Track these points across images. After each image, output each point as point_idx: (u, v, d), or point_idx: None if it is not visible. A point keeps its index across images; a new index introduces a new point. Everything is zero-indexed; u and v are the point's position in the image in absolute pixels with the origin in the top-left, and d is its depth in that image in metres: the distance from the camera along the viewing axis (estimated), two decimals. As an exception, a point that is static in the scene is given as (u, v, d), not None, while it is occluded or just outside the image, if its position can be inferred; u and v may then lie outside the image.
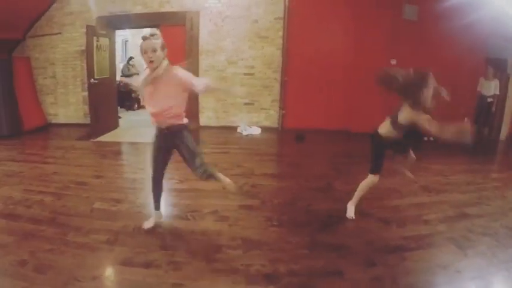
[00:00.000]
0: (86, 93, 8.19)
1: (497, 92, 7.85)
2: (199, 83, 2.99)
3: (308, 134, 7.47)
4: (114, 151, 6.85)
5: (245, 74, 8.15)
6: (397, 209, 4.10)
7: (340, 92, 8.03)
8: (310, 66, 8.00)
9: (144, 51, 2.94)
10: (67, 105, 8.83)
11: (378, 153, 3.62)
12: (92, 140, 7.38)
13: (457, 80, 6.89)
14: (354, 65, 7.78)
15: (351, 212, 3.81)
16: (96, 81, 7.46)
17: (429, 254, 3.12)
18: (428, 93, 3.14)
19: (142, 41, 2.96)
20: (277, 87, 8.22)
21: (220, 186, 3.86)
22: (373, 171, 3.64)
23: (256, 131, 7.98)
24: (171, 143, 3.26)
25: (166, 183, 4.10)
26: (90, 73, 7.46)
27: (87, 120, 8.32)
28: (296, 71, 8.04)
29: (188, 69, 3.05)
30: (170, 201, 4.26)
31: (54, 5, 8.43)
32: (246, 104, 8.29)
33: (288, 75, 8.07)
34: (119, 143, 7.34)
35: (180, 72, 2.99)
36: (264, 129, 8.17)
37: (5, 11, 7.39)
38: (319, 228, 3.59)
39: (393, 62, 7.66)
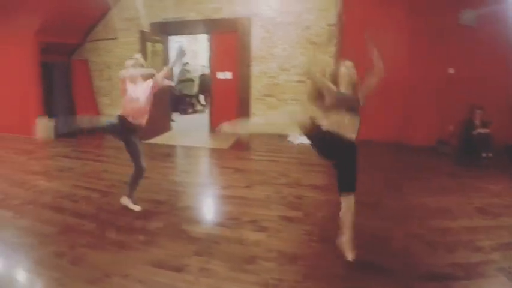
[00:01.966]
0: None
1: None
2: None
3: (360, 146, 7.12)
4: (163, 153, 6.94)
5: (297, 82, 7.96)
6: (447, 232, 3.67)
7: (395, 103, 7.53)
8: (364, 75, 7.57)
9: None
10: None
11: None
12: (143, 141, 7.47)
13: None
14: (409, 75, 7.33)
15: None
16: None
17: (476, 285, 2.80)
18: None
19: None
20: None
21: (263, 195, 3.76)
22: None
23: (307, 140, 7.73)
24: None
25: (209, 189, 4.06)
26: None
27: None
28: None
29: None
30: (211, 207, 4.20)
31: (113, 11, 8.76)
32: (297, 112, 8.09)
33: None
34: (169, 146, 7.42)
35: None
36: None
37: (66, 17, 7.84)
38: (361, 246, 3.20)
39: (451, 71, 7.21)
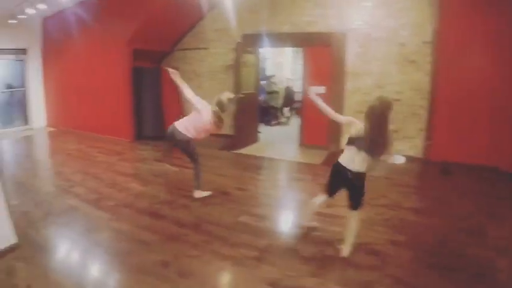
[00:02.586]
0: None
1: None
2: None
3: (454, 168, 6.70)
4: (254, 165, 6.93)
5: (392, 100, 7.49)
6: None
7: (496, 125, 6.90)
8: (461, 94, 7.09)
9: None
10: None
11: None
12: (233, 151, 7.61)
13: None
14: (508, 96, 6.72)
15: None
16: (243, 96, 7.63)
17: None
18: None
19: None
20: (424, 115, 7.49)
21: (365, 216, 3.58)
22: None
23: (400, 160, 7.34)
24: None
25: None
26: (237, 87, 7.70)
27: (227, 132, 8.44)
28: (445, 99, 7.19)
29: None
30: (317, 226, 4.01)
31: (202, 22, 9.02)
32: (391, 130, 7.67)
33: (436, 103, 7.31)
34: (259, 158, 7.37)
35: None
36: (407, 158, 7.50)
37: (159, 26, 8.26)
38: (472, 277, 3.10)
39: None
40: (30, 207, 4.51)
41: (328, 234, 3.87)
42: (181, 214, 4.30)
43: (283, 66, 12.20)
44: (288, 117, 11.67)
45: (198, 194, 4.83)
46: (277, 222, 4.22)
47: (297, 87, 12.41)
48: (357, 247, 3.55)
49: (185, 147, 4.70)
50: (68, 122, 10.02)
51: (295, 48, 12.77)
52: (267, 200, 4.98)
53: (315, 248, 3.55)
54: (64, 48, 9.55)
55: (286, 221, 4.32)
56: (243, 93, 7.76)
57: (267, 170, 6.82)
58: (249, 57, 8.03)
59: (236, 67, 7.81)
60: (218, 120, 4.59)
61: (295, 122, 11.30)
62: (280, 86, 11.73)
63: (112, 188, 5.24)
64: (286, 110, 11.69)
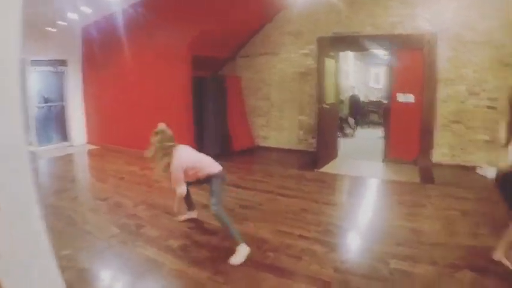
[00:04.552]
0: (303, 118, 7.88)
1: None
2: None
3: None
4: (353, 187, 5.97)
5: (487, 107, 6.87)
6: None
7: None
8: None
9: None
10: (280, 129, 8.36)
11: None
12: (317, 170, 6.68)
13: None
14: None
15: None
16: (327, 107, 6.85)
17: None
18: None
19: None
20: None
21: None
22: None
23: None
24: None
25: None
26: (321, 97, 6.86)
27: (301, 147, 7.99)
28: None
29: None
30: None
31: (270, 25, 8.17)
32: (485, 141, 6.96)
33: None
34: (349, 177, 6.39)
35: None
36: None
37: (223, 30, 7.32)
38: None
39: None
40: (88, 260, 3.30)
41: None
42: (308, 264, 3.21)
43: (347, 74, 11.13)
44: (354, 129, 10.77)
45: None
46: (433, 265, 3.18)
47: (361, 96, 11.45)
48: None
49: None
50: (113, 138, 9.02)
51: (356, 55, 11.84)
52: (406, 235, 3.90)
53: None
54: (108, 58, 8.63)
55: (443, 263, 3.26)
56: (327, 104, 6.93)
57: (375, 194, 5.73)
58: (328, 63, 7.12)
59: (319, 73, 6.89)
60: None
61: (362, 134, 10.65)
62: (345, 95, 10.56)
63: (196, 228, 3.98)
64: (351, 120, 10.67)
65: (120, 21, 7.55)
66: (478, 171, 6.69)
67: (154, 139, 3.71)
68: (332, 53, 7.20)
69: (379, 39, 7.16)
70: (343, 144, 8.78)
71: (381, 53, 10.10)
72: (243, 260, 3.20)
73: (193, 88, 7.40)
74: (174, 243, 3.61)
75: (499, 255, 3.13)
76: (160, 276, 3.00)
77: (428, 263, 3.22)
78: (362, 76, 12.98)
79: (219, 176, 3.66)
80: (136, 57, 8.03)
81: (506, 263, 3.08)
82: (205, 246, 3.54)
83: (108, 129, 9.21)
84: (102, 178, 6.46)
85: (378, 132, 9.15)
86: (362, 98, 11.99)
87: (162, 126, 3.84)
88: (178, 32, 7.21)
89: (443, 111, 7.03)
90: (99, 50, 8.71)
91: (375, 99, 12.25)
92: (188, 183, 3.79)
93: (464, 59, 6.87)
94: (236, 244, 3.31)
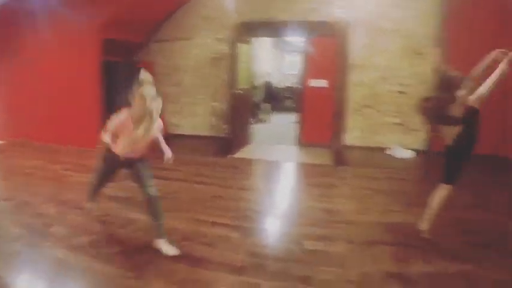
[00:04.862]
0: (215, 104, 7.72)
1: None
2: None
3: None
4: (268, 171, 6.04)
5: (398, 92, 7.32)
6: None
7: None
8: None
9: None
10: (193, 116, 8.18)
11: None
12: (231, 156, 6.64)
13: None
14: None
15: None
16: (240, 92, 6.79)
17: None
18: None
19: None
20: None
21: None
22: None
23: (408, 154, 7.11)
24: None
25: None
26: (233, 82, 6.82)
27: (214, 133, 7.83)
28: None
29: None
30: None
31: (185, 8, 7.85)
32: (395, 124, 7.45)
33: None
34: (264, 162, 6.48)
35: None
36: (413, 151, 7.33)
37: (128, 12, 6.89)
38: None
39: None
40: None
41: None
42: (228, 253, 3.16)
43: (262, 60, 11.18)
44: (268, 114, 10.87)
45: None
46: (349, 243, 3.32)
47: (277, 82, 11.64)
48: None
49: None
50: (20, 131, 8.02)
51: (274, 41, 12.03)
52: (318, 214, 4.05)
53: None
54: (11, 44, 7.70)
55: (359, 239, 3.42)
56: (240, 89, 6.89)
57: (286, 177, 5.89)
58: (242, 48, 7.09)
59: (232, 58, 6.87)
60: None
61: (276, 120, 10.80)
62: (259, 80, 10.70)
63: (107, 223, 3.76)
64: (266, 106, 10.84)
65: (25, 4, 6.84)
66: (388, 151, 7.12)
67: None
68: (246, 39, 7.17)
69: (293, 25, 7.25)
70: (258, 130, 8.86)
71: (296, 40, 10.28)
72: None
73: (105, 75, 6.99)
74: (85, 239, 3.35)
75: (424, 225, 3.40)
76: (71, 278, 2.80)
77: (343, 241, 3.35)
78: (278, 63, 13.16)
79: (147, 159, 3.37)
80: (43, 43, 7.22)
81: (426, 233, 3.37)
82: (115, 240, 3.36)
83: (13, 122, 8.27)
84: (7, 175, 5.95)
85: (293, 118, 9.34)
86: (278, 84, 12.16)
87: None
88: (87, 14, 6.59)
89: (355, 96, 7.33)
90: (3, 36, 7.87)
91: (290, 85, 12.49)
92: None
93: (377, 46, 7.21)
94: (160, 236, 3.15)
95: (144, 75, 2.99)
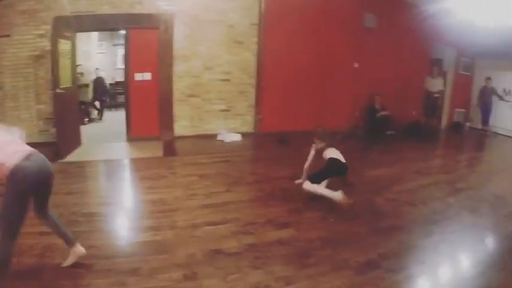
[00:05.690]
0: (41, 107, 7.17)
1: (443, 88, 9.51)
2: None
3: (288, 136, 7.58)
4: (98, 171, 6.02)
5: (221, 80, 7.88)
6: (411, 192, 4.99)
7: (311, 94, 8.52)
8: (284, 70, 8.18)
9: None
10: (18, 122, 7.06)
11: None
12: (60, 160, 6.12)
13: (408, 78, 9.25)
14: (323, 69, 8.46)
15: None
16: (63, 92, 6.40)
17: (453, 221, 4.06)
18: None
19: None
20: (252, 92, 8.15)
21: (252, 196, 4.30)
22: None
23: (237, 137, 7.81)
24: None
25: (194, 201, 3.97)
26: (55, 81, 6.37)
27: (43, 139, 6.99)
28: (271, 76, 8.08)
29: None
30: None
31: (2, 2, 7.00)
32: (222, 110, 8.02)
33: (263, 81, 8.08)
34: (96, 162, 6.29)
35: None
36: (241, 134, 8.03)
37: None
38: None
39: (356, 65, 8.65)
40: None
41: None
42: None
43: (90, 56, 10.70)
44: (101, 113, 10.54)
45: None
46: (174, 229, 3.70)
47: (108, 78, 11.32)
48: (266, 226, 3.76)
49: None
50: None
51: (101, 35, 11.62)
52: (146, 206, 4.27)
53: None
54: None
55: (187, 223, 3.83)
56: (63, 89, 6.46)
57: (115, 174, 5.84)
58: (64, 45, 6.66)
59: (53, 56, 6.41)
60: None
61: (110, 117, 10.57)
62: (89, 77, 10.33)
63: None
64: (98, 104, 10.52)
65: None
66: (219, 137, 7.62)
67: None
68: (68, 34, 6.75)
69: (115, 18, 7.10)
70: (90, 129, 8.70)
71: (124, 33, 10.17)
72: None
73: None
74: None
75: (301, 180, 4.59)
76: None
77: (169, 228, 3.61)
78: (109, 57, 12.65)
79: None
80: None
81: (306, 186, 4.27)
82: None
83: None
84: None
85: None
86: (109, 80, 11.65)
87: None
88: None
89: (180, 86, 7.59)
90: None
91: (121, 80, 12.09)
92: None
93: (200, 36, 7.55)
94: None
95: None
